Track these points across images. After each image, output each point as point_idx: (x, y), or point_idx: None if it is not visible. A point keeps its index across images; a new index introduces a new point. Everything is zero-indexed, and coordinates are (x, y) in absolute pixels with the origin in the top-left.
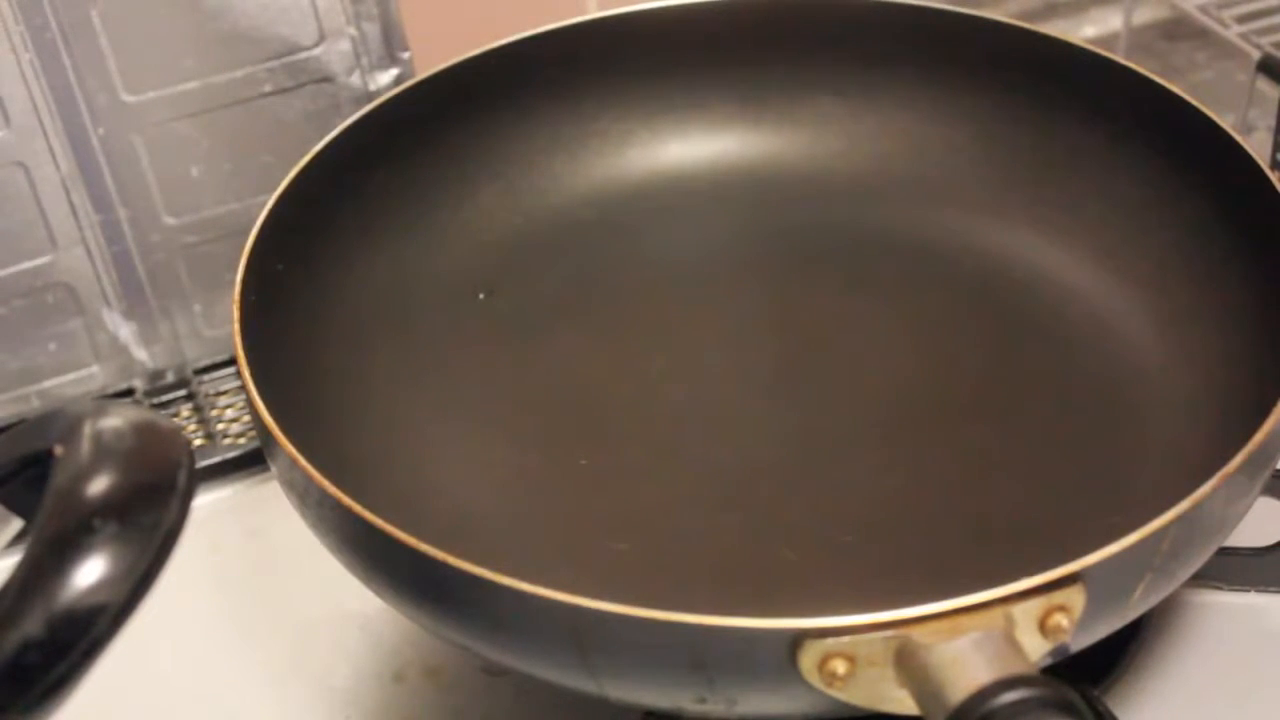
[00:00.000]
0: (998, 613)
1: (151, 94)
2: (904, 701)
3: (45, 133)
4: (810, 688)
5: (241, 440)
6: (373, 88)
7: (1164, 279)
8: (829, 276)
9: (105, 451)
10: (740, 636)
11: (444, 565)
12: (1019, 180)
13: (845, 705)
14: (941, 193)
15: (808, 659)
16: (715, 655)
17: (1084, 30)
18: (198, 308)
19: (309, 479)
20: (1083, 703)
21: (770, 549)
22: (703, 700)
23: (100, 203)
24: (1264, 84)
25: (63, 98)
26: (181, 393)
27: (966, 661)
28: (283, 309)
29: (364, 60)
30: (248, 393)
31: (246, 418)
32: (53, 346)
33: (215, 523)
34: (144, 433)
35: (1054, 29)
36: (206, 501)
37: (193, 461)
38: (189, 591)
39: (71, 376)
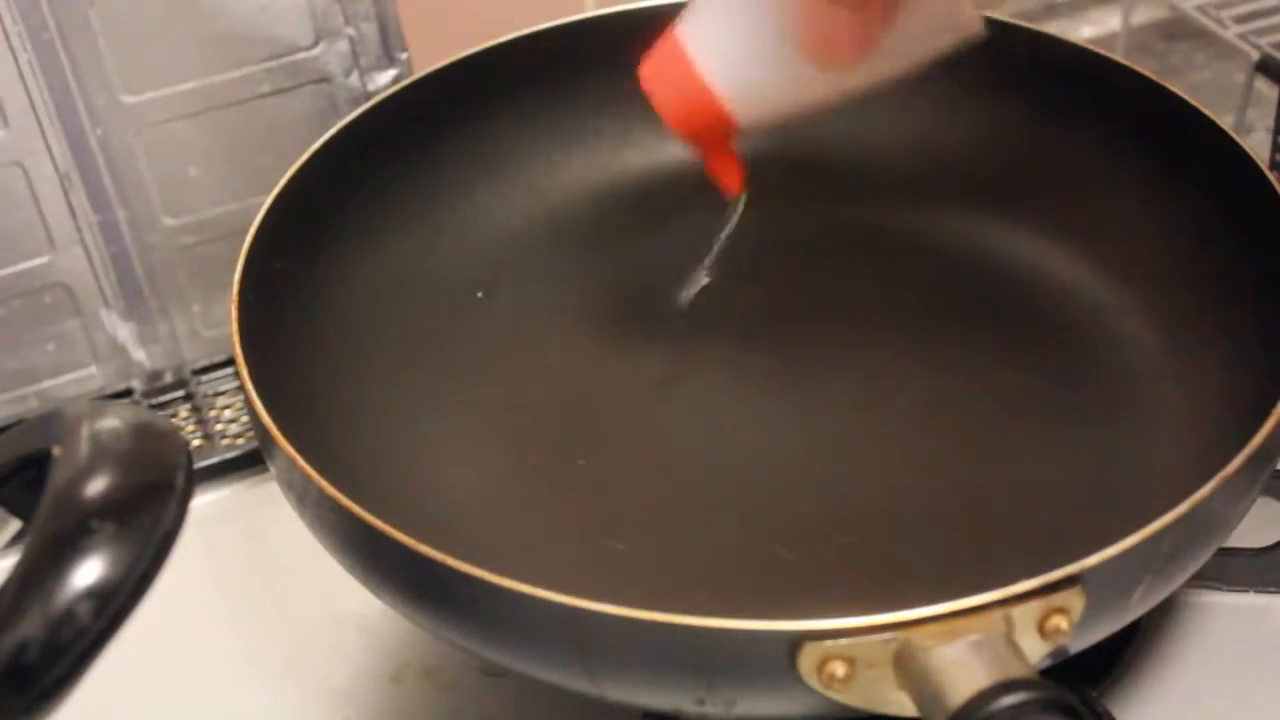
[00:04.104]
0: (997, 615)
1: (149, 94)
2: (903, 704)
3: (43, 133)
4: (809, 690)
5: (240, 441)
6: (371, 88)
7: (1163, 279)
8: (827, 276)
9: (103, 452)
10: (739, 639)
11: (443, 566)
12: (1017, 180)
13: (844, 707)
14: (940, 192)
15: (807, 661)
16: (714, 657)
17: (1082, 30)
18: (196, 308)
19: (308, 479)
20: (1082, 705)
21: (769, 550)
22: (701, 702)
23: (98, 203)
24: (1262, 84)
25: (61, 98)
26: (180, 393)
27: (966, 664)
28: (281, 309)
29: (362, 61)
30: (246, 393)
31: (245, 418)
32: (51, 347)
33: (213, 523)
34: (142, 433)
35: (1053, 29)
36: (205, 502)
37: (190, 462)
38: (187, 592)
39: (69, 377)
